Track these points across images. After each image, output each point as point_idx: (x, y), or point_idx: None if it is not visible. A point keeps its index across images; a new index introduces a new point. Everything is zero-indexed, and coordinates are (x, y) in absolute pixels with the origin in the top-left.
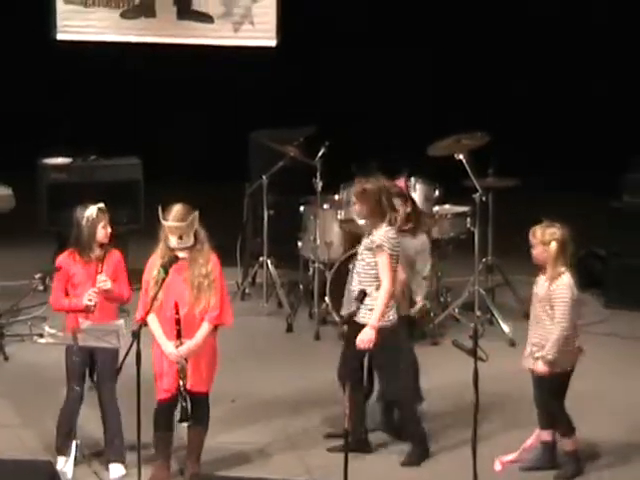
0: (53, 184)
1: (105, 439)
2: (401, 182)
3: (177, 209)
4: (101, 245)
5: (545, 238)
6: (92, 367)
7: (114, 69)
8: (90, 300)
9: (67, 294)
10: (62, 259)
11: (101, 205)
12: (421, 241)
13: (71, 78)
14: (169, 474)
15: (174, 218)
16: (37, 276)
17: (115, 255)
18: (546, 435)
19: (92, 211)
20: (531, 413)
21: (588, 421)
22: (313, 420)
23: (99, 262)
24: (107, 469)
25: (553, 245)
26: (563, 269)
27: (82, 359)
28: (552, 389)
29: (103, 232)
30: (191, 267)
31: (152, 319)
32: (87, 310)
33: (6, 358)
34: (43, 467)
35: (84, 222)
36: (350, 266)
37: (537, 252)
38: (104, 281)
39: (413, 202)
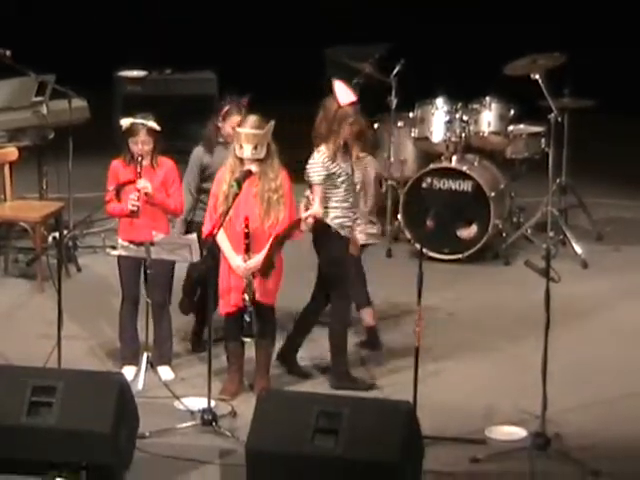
0: (128, 96)
1: (155, 342)
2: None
3: (254, 118)
4: (147, 155)
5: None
6: (144, 271)
7: None
8: (133, 205)
9: (120, 201)
10: (114, 165)
11: (138, 120)
12: None
13: None
14: (240, 387)
15: (251, 126)
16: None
17: (166, 163)
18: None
19: (125, 123)
20: (601, 331)
21: None
22: (383, 338)
23: (139, 169)
24: (154, 371)
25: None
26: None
27: (136, 264)
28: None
29: (135, 147)
30: (261, 181)
31: (220, 233)
32: (132, 215)
33: (79, 269)
34: (113, 378)
35: (123, 131)
36: (423, 184)
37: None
38: (143, 186)
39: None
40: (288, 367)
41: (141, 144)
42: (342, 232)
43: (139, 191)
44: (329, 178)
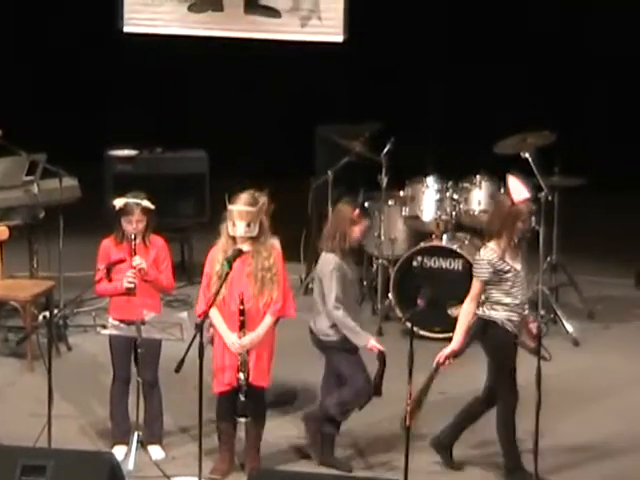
0: (119, 175)
1: (145, 421)
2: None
3: (247, 195)
4: (140, 234)
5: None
6: (135, 350)
7: (181, 62)
8: (130, 282)
9: (111, 280)
10: (105, 244)
11: (132, 199)
12: None
13: (138, 71)
14: (231, 467)
15: (244, 202)
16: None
17: (158, 242)
18: None
19: (119, 203)
20: (593, 409)
21: None
22: (374, 416)
23: (133, 246)
24: (145, 450)
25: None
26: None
27: (127, 344)
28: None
29: (129, 226)
30: (254, 260)
31: (214, 312)
32: (128, 293)
33: (69, 348)
34: (104, 458)
35: (116, 211)
36: (414, 263)
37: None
38: (139, 262)
39: None
40: (444, 456)
41: (135, 223)
42: (508, 327)
43: (135, 268)
44: (496, 275)
